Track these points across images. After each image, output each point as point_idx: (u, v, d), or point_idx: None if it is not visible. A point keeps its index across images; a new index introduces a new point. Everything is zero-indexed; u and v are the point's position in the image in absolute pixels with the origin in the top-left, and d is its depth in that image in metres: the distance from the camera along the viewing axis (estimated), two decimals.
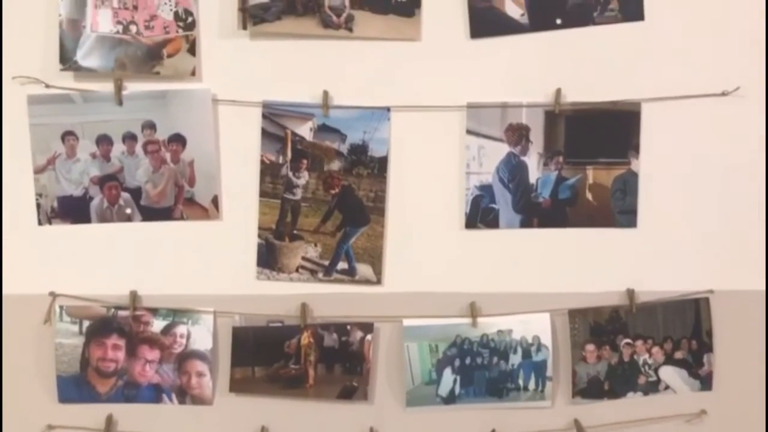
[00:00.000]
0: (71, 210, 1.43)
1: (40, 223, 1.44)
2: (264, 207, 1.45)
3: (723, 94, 1.45)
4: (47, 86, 1.39)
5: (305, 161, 1.45)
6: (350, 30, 1.40)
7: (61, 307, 1.45)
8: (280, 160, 1.44)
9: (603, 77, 1.44)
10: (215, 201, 1.44)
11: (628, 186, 1.47)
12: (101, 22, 1.36)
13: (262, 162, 1.44)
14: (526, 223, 1.48)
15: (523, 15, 1.42)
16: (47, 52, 1.38)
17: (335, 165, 1.45)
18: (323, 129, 1.44)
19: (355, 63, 1.42)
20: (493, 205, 1.47)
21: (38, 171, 1.42)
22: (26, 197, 1.42)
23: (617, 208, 1.48)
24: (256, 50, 1.41)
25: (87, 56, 1.37)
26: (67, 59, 1.37)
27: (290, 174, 1.45)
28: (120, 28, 1.37)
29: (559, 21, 1.42)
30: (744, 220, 1.50)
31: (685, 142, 1.47)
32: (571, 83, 1.44)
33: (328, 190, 1.46)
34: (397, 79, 1.43)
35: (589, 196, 1.48)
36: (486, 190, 1.47)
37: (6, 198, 1.42)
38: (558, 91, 1.43)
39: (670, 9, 1.43)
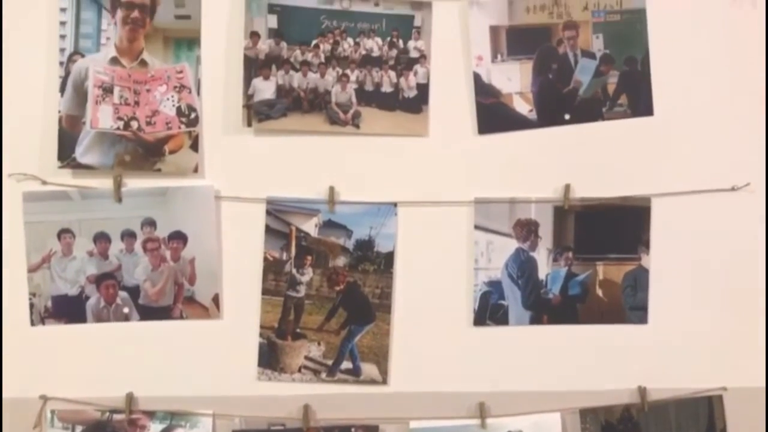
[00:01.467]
0: (66, 310, 1.38)
1: (32, 323, 1.38)
2: (266, 305, 1.41)
3: (733, 189, 1.44)
4: (44, 183, 1.35)
5: (310, 258, 1.41)
6: (357, 126, 1.39)
7: (52, 412, 1.39)
8: (284, 257, 1.41)
9: (612, 172, 1.43)
10: (216, 299, 1.40)
11: (638, 282, 1.45)
12: (102, 118, 1.33)
13: (266, 259, 1.40)
14: (535, 320, 1.45)
15: (531, 111, 1.41)
16: (45, 148, 1.34)
17: (340, 261, 1.42)
18: (329, 225, 1.41)
19: (362, 158, 1.40)
20: (502, 302, 1.44)
21: (32, 269, 1.37)
22: (19, 297, 1.37)
23: (628, 305, 1.45)
24: (260, 146, 1.38)
25: (86, 153, 1.34)
26: (65, 156, 1.34)
27: (294, 271, 1.41)
28: (121, 124, 1.34)
29: (567, 116, 1.41)
30: (758, 316, 1.47)
31: (695, 237, 1.45)
32: (580, 178, 1.43)
33: (332, 287, 1.42)
34: (404, 174, 1.41)
35: (599, 292, 1.45)
36: (495, 287, 1.44)
37: None
38: (567, 187, 1.42)
39: (679, 105, 1.43)
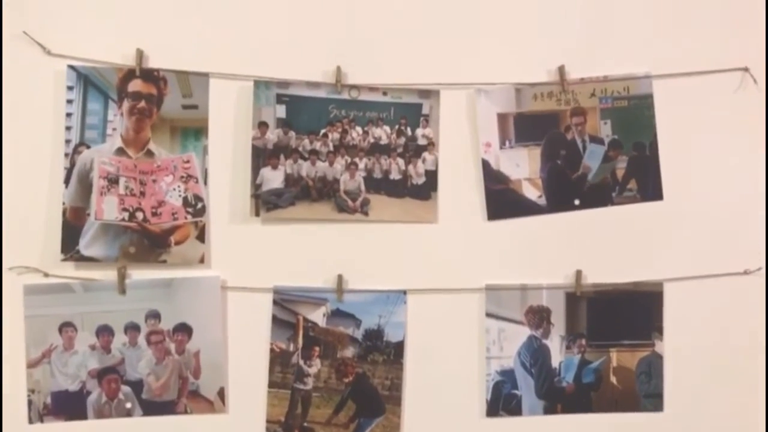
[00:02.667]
0: (66, 406, 1.34)
1: (30, 421, 1.33)
2: (273, 398, 1.37)
3: (745, 272, 1.43)
4: (46, 275, 1.32)
5: (317, 349, 1.38)
6: (366, 214, 1.38)
7: None
8: (291, 348, 1.37)
9: (624, 258, 1.42)
10: (221, 393, 1.36)
11: (653, 368, 1.42)
12: (107, 209, 1.31)
13: (272, 350, 1.37)
14: (549, 410, 1.42)
15: (540, 197, 1.41)
16: (48, 241, 1.32)
17: (349, 352, 1.38)
18: (337, 314, 1.38)
19: (371, 246, 1.39)
20: (516, 391, 1.41)
21: (32, 365, 1.33)
22: (18, 393, 1.33)
23: (643, 392, 1.43)
24: (267, 235, 1.37)
25: (90, 245, 1.32)
26: (69, 249, 1.31)
27: (301, 362, 1.37)
28: (126, 215, 1.32)
29: (577, 202, 1.41)
30: None
31: (709, 321, 1.44)
32: (592, 264, 1.41)
33: (341, 379, 1.39)
34: (413, 261, 1.39)
35: (613, 379, 1.42)
36: (507, 376, 1.41)
37: None
38: (578, 273, 1.40)
39: (689, 188, 1.42)
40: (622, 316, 1.42)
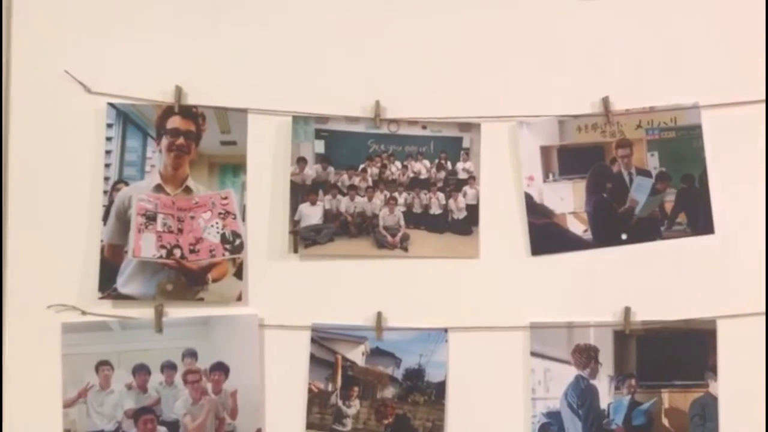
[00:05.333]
0: None
1: None
2: None
3: None
4: (84, 313, 1.31)
5: (356, 389, 1.34)
6: (405, 249, 1.35)
7: None
8: (330, 388, 1.34)
9: (674, 294, 1.37)
10: None
11: (707, 411, 1.36)
12: (144, 246, 1.30)
13: (310, 390, 1.33)
14: None
15: (586, 231, 1.37)
16: (86, 278, 1.31)
17: (389, 392, 1.35)
18: (376, 353, 1.35)
19: (411, 282, 1.36)
20: None
21: (68, 405, 1.31)
22: None
23: None
24: (306, 271, 1.35)
25: (127, 283, 1.30)
26: (106, 287, 1.30)
27: (340, 403, 1.34)
28: (164, 252, 1.30)
29: (624, 236, 1.37)
30: None
31: (766, 361, 1.37)
32: (641, 301, 1.36)
33: (380, 420, 1.34)
34: (455, 298, 1.36)
35: (665, 422, 1.36)
36: (554, 418, 1.35)
37: None
38: (627, 310, 1.36)
39: (741, 221, 1.37)
40: (673, 355, 1.36)
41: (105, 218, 1.30)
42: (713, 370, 1.36)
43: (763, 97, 1.36)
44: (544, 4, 1.36)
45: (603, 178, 1.37)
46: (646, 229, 1.37)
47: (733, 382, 1.36)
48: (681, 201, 1.37)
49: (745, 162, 1.37)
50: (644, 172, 1.37)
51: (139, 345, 1.32)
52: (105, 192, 1.31)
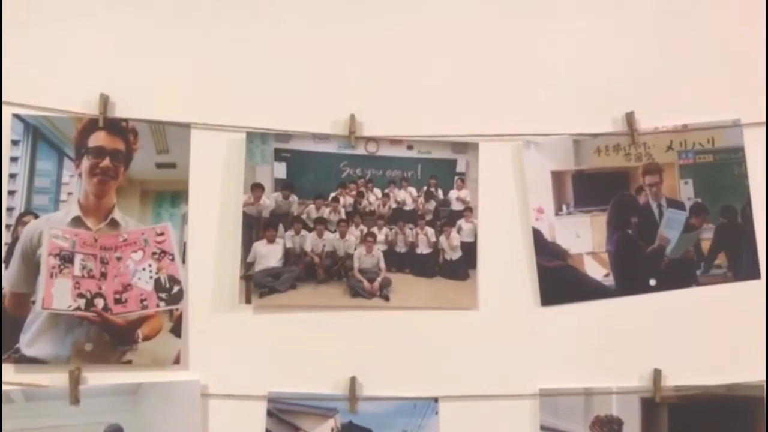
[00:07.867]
0: None
1: None
2: None
3: None
4: None
5: None
6: (386, 298, 1.22)
7: None
8: None
9: (713, 353, 1.24)
10: None
11: None
12: (57, 295, 1.15)
13: None
14: None
15: (607, 275, 1.25)
16: None
17: None
18: (349, 428, 1.20)
19: (393, 340, 1.22)
20: None
21: None
22: None
23: None
24: (261, 327, 1.20)
25: (34, 342, 1.14)
26: (7, 347, 1.14)
27: None
28: (82, 303, 1.15)
29: (653, 282, 1.25)
30: None
31: None
32: (674, 362, 1.23)
33: None
34: (447, 359, 1.22)
35: None
36: None
37: None
38: (657, 373, 1.23)
39: None
40: (713, 427, 1.24)
41: (7, 260, 1.15)
42: None
43: None
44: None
45: (627, 210, 1.26)
46: (679, 273, 1.26)
47: None
48: (720, 239, 1.26)
49: None
50: (677, 204, 1.27)
51: (50, 420, 1.16)
52: (8, 227, 1.16)
